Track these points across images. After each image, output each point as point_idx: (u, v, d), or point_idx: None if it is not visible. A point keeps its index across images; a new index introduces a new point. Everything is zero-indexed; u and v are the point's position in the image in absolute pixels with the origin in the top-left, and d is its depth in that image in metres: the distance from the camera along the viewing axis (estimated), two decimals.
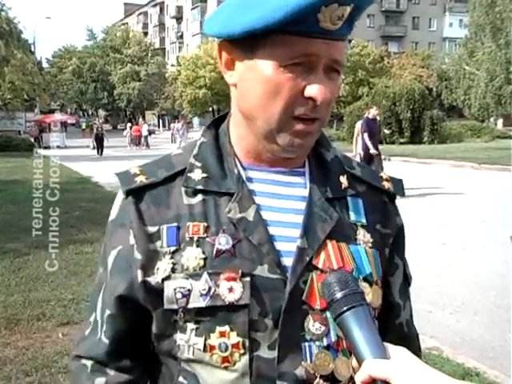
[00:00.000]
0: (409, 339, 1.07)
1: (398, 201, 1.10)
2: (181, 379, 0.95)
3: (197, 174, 0.97)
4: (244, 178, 0.96)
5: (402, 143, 29.33)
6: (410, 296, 1.11)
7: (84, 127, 52.24)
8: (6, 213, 9.61)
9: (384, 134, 11.94)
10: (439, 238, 8.00)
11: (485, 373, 3.81)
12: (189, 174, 0.97)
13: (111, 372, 0.99)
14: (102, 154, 26.66)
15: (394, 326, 1.06)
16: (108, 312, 0.98)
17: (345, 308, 0.79)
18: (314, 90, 0.88)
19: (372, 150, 10.91)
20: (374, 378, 0.74)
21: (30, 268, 6.21)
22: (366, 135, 10.91)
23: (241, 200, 0.94)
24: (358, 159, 10.16)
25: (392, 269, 1.05)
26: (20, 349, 4.13)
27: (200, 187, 0.95)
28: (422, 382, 0.72)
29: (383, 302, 1.01)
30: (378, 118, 11.76)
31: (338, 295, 0.80)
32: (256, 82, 0.90)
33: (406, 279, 1.09)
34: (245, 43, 0.89)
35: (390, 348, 0.78)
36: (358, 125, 11.54)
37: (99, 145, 27.41)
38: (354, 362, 0.79)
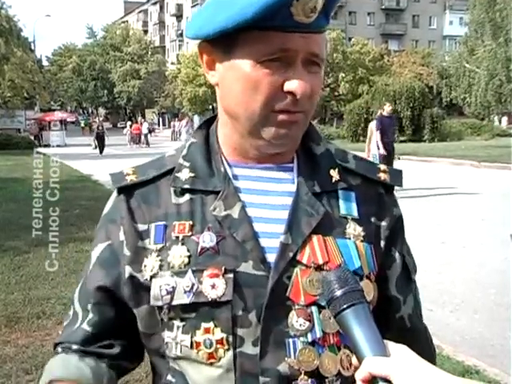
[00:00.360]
0: (412, 333, 1.05)
1: (399, 199, 1.09)
2: (169, 378, 0.96)
3: (184, 174, 0.98)
4: (230, 176, 0.97)
5: (402, 141, 29.30)
6: (414, 289, 1.09)
7: (83, 125, 52.15)
8: (6, 211, 9.62)
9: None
10: (439, 237, 8.00)
11: (485, 371, 3.81)
12: (176, 174, 0.98)
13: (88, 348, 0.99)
14: (102, 152, 26.34)
15: (395, 321, 1.04)
16: (92, 301, 0.99)
17: (344, 306, 0.78)
18: (293, 85, 0.88)
19: (381, 151, 10.67)
20: (374, 375, 0.74)
21: (30, 266, 6.23)
22: (378, 133, 10.66)
23: (226, 198, 0.95)
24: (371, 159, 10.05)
25: (389, 262, 1.03)
26: (20, 347, 4.14)
27: (187, 186, 0.97)
28: (422, 380, 0.72)
29: (380, 296, 1.00)
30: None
31: (338, 293, 0.79)
32: (235, 80, 0.91)
33: (408, 272, 1.06)
34: (222, 43, 0.90)
35: (391, 345, 0.78)
36: (372, 125, 11.33)
37: (100, 144, 26.76)
38: (354, 360, 0.79)
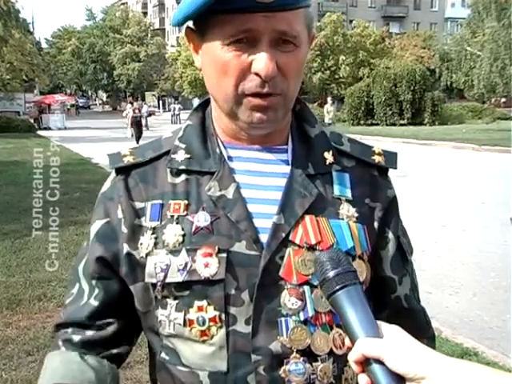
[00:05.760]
0: (409, 313, 1.07)
1: (400, 183, 1.09)
2: (163, 355, 0.98)
3: (180, 156, 1.00)
4: (225, 157, 0.99)
5: (402, 124, 29.21)
6: (410, 270, 1.09)
7: (68, 107, 51.59)
8: (7, 194, 9.63)
9: None
10: (439, 220, 8.01)
11: (483, 353, 3.85)
12: (173, 156, 1.00)
13: (89, 332, 1.00)
14: (139, 141, 21.17)
15: (391, 301, 1.06)
16: (97, 276, 1.01)
17: (337, 287, 0.78)
18: (257, 65, 0.89)
19: None
20: (367, 356, 0.74)
21: (31, 249, 6.25)
22: None
23: (221, 178, 0.96)
24: None
25: (383, 242, 1.04)
26: (22, 329, 4.17)
27: (183, 167, 0.98)
28: (414, 360, 0.73)
29: (376, 276, 1.02)
30: None
31: (331, 274, 0.79)
32: (209, 63, 0.94)
33: (403, 252, 1.07)
34: (198, 28, 0.94)
35: (383, 326, 0.78)
36: None
37: (137, 131, 21.42)
38: (347, 340, 0.79)
